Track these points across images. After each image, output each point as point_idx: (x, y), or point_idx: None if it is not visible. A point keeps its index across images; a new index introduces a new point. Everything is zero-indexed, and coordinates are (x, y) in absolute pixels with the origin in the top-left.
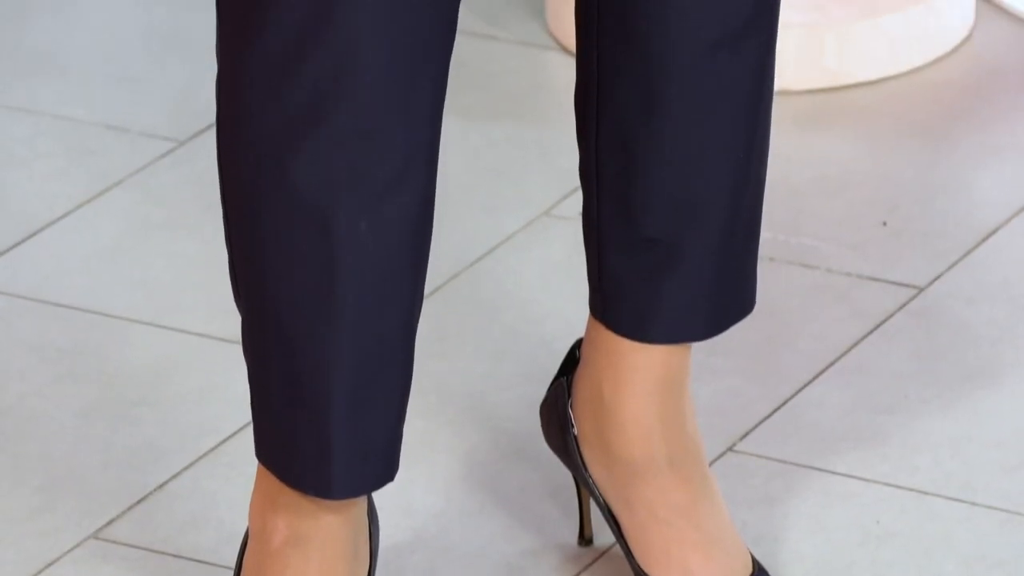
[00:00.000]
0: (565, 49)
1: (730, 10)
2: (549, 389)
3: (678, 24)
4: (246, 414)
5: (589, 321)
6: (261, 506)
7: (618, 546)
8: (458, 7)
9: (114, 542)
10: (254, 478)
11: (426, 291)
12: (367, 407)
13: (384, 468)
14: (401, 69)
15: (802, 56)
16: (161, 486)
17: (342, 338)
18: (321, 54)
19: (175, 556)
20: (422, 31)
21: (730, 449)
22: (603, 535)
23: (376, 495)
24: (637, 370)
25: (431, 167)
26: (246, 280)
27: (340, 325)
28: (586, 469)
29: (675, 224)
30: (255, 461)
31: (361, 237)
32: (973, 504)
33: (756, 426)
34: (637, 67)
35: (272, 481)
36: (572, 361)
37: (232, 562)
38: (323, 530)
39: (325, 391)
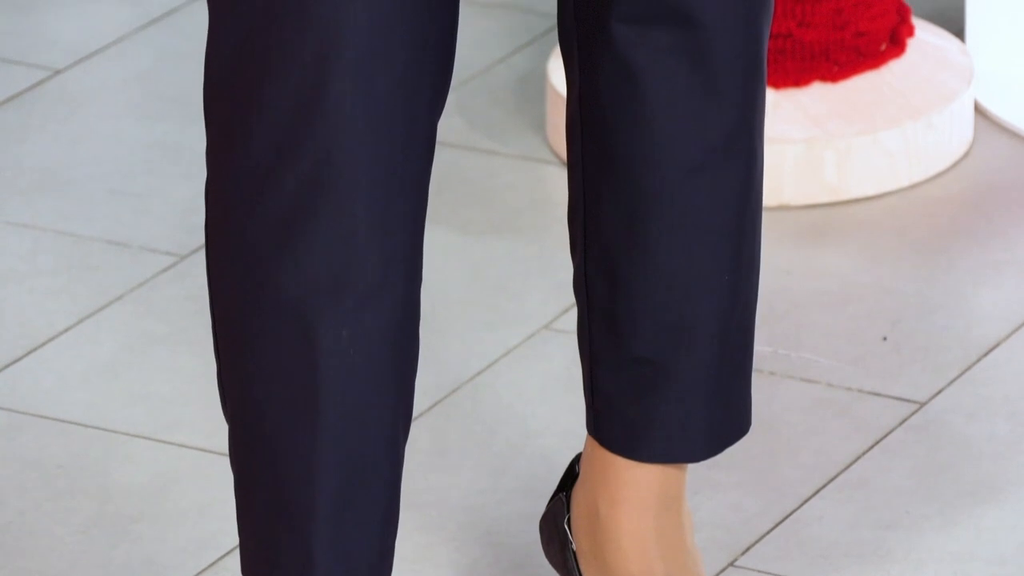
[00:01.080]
0: (564, 163)
1: (709, 134)
2: (548, 504)
3: (658, 148)
4: None
5: (587, 436)
6: None
7: None
8: (437, 120)
9: None
10: None
11: (426, 405)
12: (351, 521)
13: None
14: (380, 177)
15: (802, 171)
16: None
17: (324, 449)
18: (302, 162)
19: None
20: (400, 141)
21: (731, 564)
22: None
23: None
24: (632, 487)
25: (412, 274)
26: (232, 388)
27: (322, 435)
28: None
29: (664, 344)
30: None
31: (343, 345)
32: None
33: (757, 541)
34: (620, 190)
35: None
36: (571, 476)
37: None
38: None
39: (307, 503)
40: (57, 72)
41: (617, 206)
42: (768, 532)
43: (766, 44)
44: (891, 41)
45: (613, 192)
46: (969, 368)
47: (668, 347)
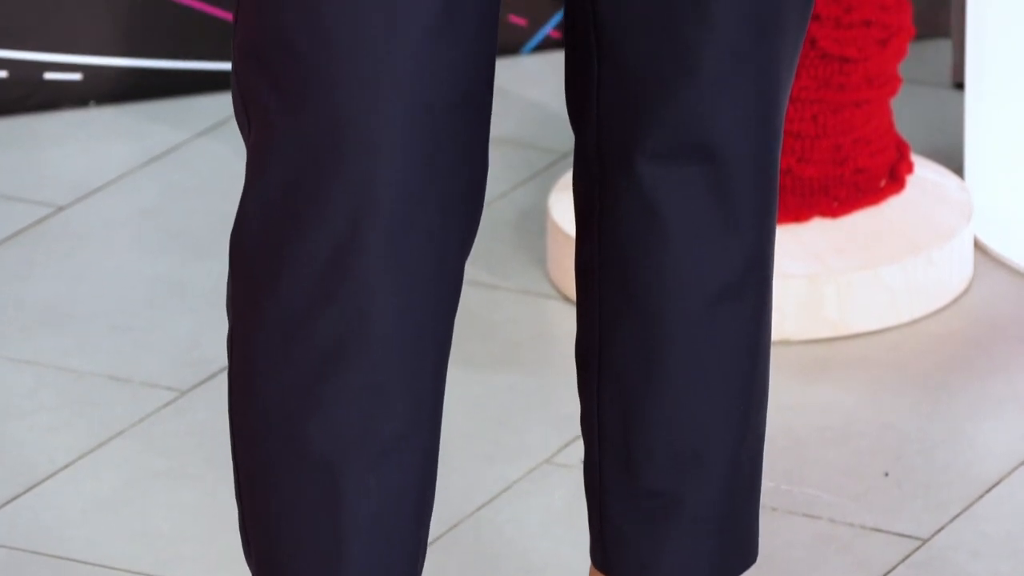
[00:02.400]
0: (566, 298)
1: (726, 264)
2: None
3: (678, 282)
4: None
5: (591, 571)
6: None
7: None
8: (464, 265)
9: None
10: None
11: (428, 540)
12: None
13: None
14: (409, 329)
15: (803, 307)
16: None
17: None
18: (333, 312)
19: None
20: (430, 288)
21: None
22: None
23: None
24: None
25: (436, 421)
26: (256, 535)
27: None
28: None
29: (677, 476)
30: None
31: (369, 494)
32: None
33: None
34: (637, 322)
35: None
36: None
37: None
38: None
39: None
40: (60, 209)
41: (634, 341)
42: None
43: (778, 177)
44: (890, 177)
45: (630, 327)
46: (971, 505)
47: (681, 479)
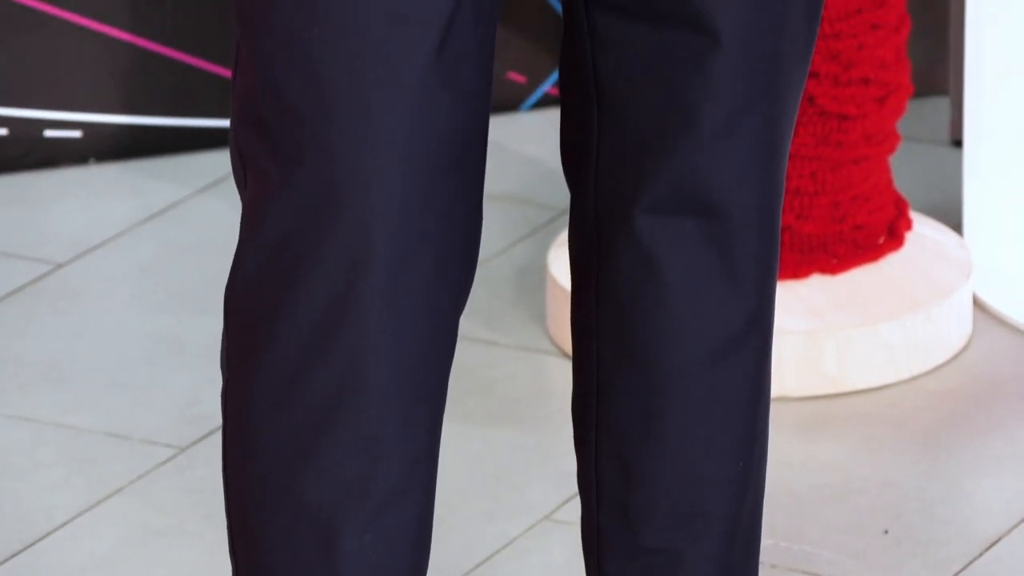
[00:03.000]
0: (565, 354)
1: (726, 319)
2: None
3: (677, 337)
4: None
5: None
6: None
7: None
8: (459, 320)
9: None
10: None
11: None
12: None
13: None
14: (405, 381)
15: (801, 363)
16: None
17: None
18: (329, 369)
19: None
20: (425, 343)
21: None
22: None
23: None
24: None
25: (431, 476)
26: None
27: None
28: None
29: (676, 532)
30: None
31: (365, 548)
32: None
33: None
34: (636, 378)
35: None
36: None
37: None
38: None
39: None
40: (59, 266)
41: (633, 397)
42: None
43: (780, 231)
44: (889, 234)
45: (628, 382)
46: (971, 563)
47: (681, 535)
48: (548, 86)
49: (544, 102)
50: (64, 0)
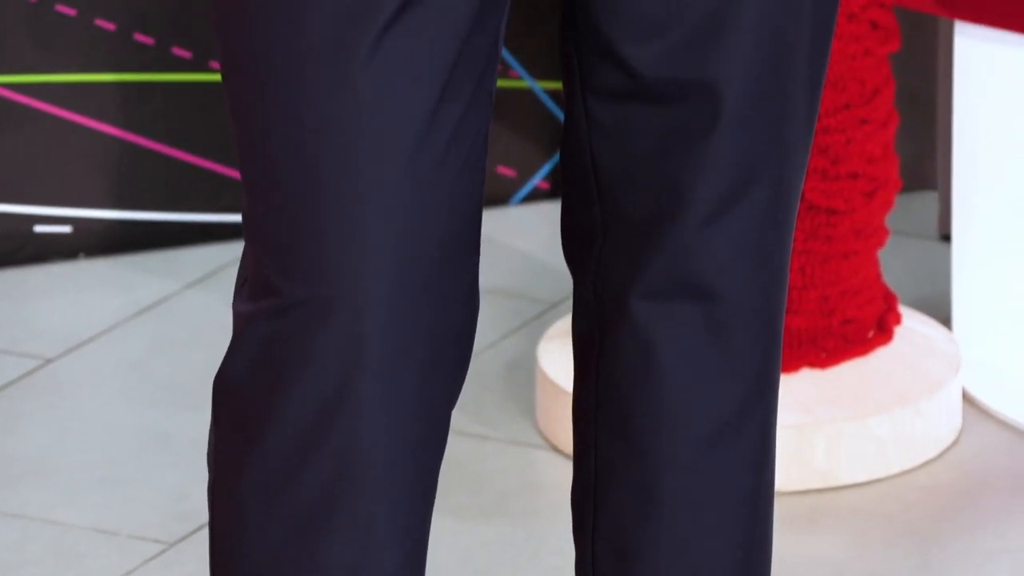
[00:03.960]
0: (556, 448)
1: (723, 405)
2: None
3: (675, 422)
4: None
5: None
6: None
7: None
8: (451, 414)
9: None
10: None
11: None
12: None
13: None
14: (399, 476)
15: (791, 457)
16: None
17: None
18: (322, 465)
19: None
20: (418, 439)
21: None
22: None
23: None
24: None
25: (421, 566)
26: None
27: None
28: None
29: None
30: None
31: None
32: None
33: None
34: (633, 463)
35: None
36: None
37: None
38: None
39: None
40: (48, 361)
41: (631, 482)
42: None
43: (783, 318)
44: (878, 328)
45: (627, 468)
46: None
47: None
48: (538, 180)
49: (534, 196)
50: (55, 96)
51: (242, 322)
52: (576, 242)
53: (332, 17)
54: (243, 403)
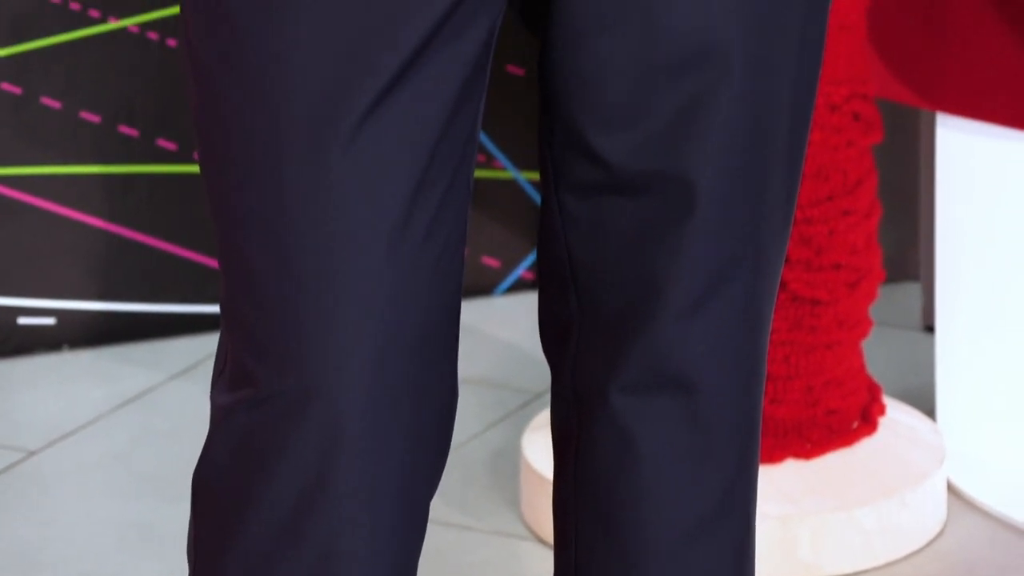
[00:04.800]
0: (539, 539)
1: (704, 497)
2: None
3: (654, 513)
4: None
5: None
6: None
7: None
8: (430, 502)
9: None
10: None
11: None
12: None
13: None
14: (378, 566)
15: (776, 549)
16: None
17: None
18: (300, 553)
19: None
20: (397, 528)
21: None
22: None
23: None
24: None
25: None
26: None
27: None
28: None
29: None
30: None
31: None
32: None
33: None
34: (614, 557)
35: None
36: None
37: None
38: None
39: None
40: (31, 453)
41: (612, 574)
42: None
43: (761, 409)
44: (863, 419)
45: (608, 559)
46: None
47: None
48: (522, 270)
49: (518, 286)
50: (39, 188)
51: (220, 413)
52: (553, 335)
53: (309, 106)
54: (221, 494)
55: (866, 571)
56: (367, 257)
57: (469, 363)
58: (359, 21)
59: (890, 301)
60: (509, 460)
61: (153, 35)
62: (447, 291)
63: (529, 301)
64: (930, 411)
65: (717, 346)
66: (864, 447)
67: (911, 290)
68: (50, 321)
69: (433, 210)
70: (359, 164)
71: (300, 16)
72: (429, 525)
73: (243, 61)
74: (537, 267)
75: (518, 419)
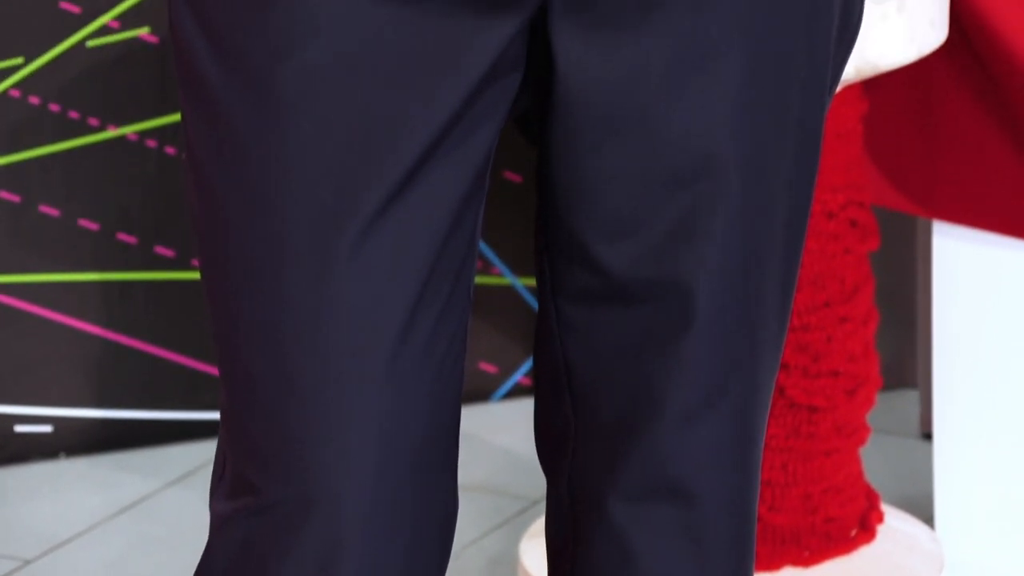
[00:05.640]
0: None
1: None
2: None
3: None
4: None
5: None
6: None
7: None
8: None
9: None
10: None
11: None
12: None
13: None
14: None
15: None
16: None
17: None
18: None
19: None
20: None
21: None
22: None
23: None
24: None
25: None
26: None
27: None
28: None
29: None
30: None
31: None
32: None
33: None
34: None
35: None
36: None
37: None
38: None
39: None
40: (27, 562)
41: None
42: None
43: (756, 515)
44: (861, 527)
45: None
46: None
47: None
48: (519, 376)
49: (515, 392)
50: (37, 296)
51: (219, 521)
52: (549, 442)
53: (311, 217)
54: None
55: None
56: (368, 368)
57: (466, 469)
58: (361, 133)
59: (888, 408)
60: (507, 567)
61: (151, 143)
62: (448, 399)
63: (526, 407)
64: (929, 519)
65: (714, 455)
66: (863, 555)
67: (909, 397)
68: (47, 429)
69: (434, 320)
70: (361, 275)
71: (302, 126)
72: None
73: (244, 171)
74: (533, 374)
75: (515, 526)
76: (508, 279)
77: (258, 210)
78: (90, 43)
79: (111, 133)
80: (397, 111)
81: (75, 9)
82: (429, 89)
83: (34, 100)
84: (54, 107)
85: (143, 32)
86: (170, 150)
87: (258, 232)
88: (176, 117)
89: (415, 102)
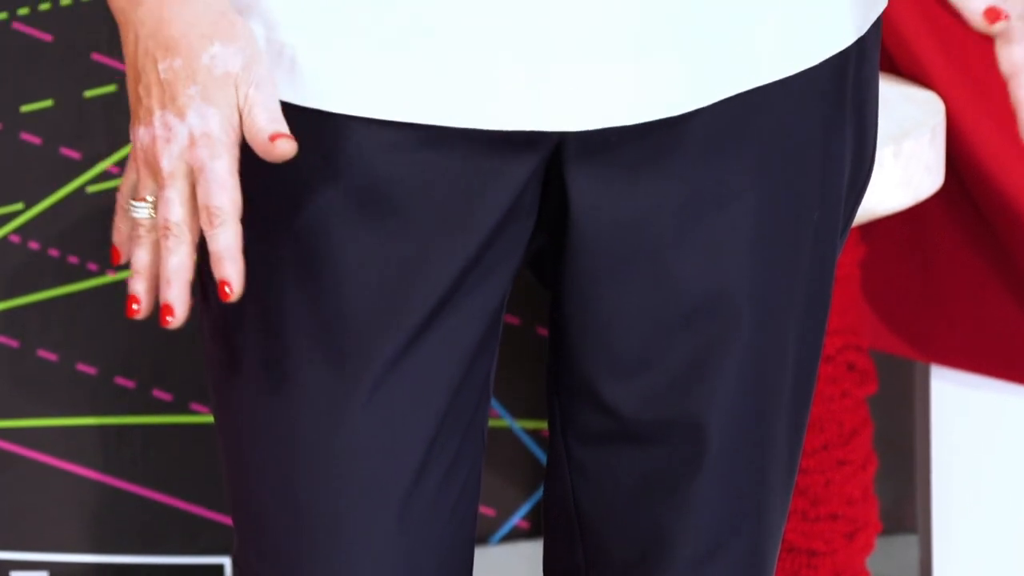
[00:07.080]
0: None
1: None
2: None
3: None
4: None
5: None
6: None
7: None
8: None
9: None
10: None
11: None
12: None
13: None
14: None
15: None
16: None
17: None
18: None
19: None
20: None
21: None
22: None
23: None
24: None
25: None
26: None
27: None
28: None
29: None
30: None
31: None
32: None
33: None
34: None
35: None
36: None
37: None
38: None
39: None
40: None
41: None
42: None
43: None
44: None
45: None
46: None
47: None
48: (517, 519)
49: (513, 535)
50: (34, 440)
51: None
52: None
53: (329, 359)
54: None
55: None
56: (380, 513)
57: None
58: (378, 283)
59: (887, 553)
60: None
61: None
62: (460, 543)
63: (525, 550)
64: None
65: None
66: None
67: (908, 542)
68: (43, 575)
69: (447, 463)
70: (377, 419)
71: (324, 270)
72: None
73: (265, 314)
74: (543, 515)
75: None
76: (506, 421)
77: (275, 361)
78: (90, 188)
79: (110, 278)
80: (414, 262)
81: (75, 155)
82: (446, 238)
83: (34, 245)
84: (54, 252)
85: None
86: None
87: (275, 388)
88: None
89: (433, 252)
